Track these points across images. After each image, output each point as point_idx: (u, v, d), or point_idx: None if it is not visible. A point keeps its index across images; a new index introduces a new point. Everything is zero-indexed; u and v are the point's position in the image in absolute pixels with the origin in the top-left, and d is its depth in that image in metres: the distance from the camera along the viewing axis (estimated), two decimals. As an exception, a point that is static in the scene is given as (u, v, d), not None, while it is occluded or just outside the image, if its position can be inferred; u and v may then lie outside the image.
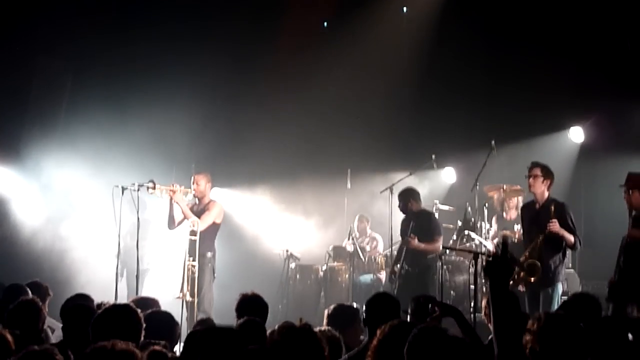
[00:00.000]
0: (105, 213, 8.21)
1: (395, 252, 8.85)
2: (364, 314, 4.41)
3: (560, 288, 6.61)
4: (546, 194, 6.90)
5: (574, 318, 3.47)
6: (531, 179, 6.90)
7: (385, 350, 3.39)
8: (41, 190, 9.95)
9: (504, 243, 3.40)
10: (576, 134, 9.08)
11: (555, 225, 6.72)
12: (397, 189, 8.67)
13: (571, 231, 6.78)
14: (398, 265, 8.18)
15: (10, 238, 9.80)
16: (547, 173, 6.91)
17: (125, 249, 8.54)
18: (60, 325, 4.91)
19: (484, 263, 7.14)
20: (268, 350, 3.34)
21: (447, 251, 8.21)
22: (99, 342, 2.80)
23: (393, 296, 4.74)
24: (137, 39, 9.98)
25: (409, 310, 4.77)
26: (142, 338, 3.90)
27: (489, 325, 3.90)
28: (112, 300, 5.69)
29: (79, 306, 4.64)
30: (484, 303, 5.22)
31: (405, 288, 7.72)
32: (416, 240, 7.82)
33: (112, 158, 9.46)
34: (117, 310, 3.97)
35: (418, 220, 7.97)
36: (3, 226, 9.85)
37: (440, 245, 7.98)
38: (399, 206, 8.23)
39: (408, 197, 8.13)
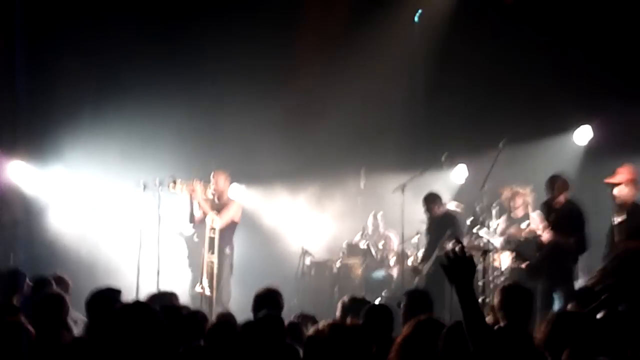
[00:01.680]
0: (133, 209, 8.77)
1: (406, 250, 9.24)
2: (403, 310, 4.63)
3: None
4: (562, 199, 7.23)
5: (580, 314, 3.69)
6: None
7: (411, 345, 3.47)
8: (67, 187, 10.11)
9: (461, 244, 3.36)
10: (582, 135, 9.19)
11: (544, 236, 7.19)
12: (409, 188, 8.92)
13: (570, 234, 7.02)
14: (421, 264, 8.70)
15: (37, 233, 9.95)
16: (550, 185, 7.34)
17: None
18: (83, 317, 5.10)
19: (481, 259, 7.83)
20: (315, 346, 3.30)
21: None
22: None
23: (429, 295, 5.02)
24: (159, 43, 10.25)
25: (402, 305, 4.90)
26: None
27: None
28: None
29: (106, 299, 4.67)
30: (496, 300, 4.84)
31: (433, 284, 8.11)
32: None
33: (136, 156, 9.63)
34: (135, 308, 4.05)
35: (448, 223, 8.52)
36: (30, 222, 9.95)
37: None
38: (425, 209, 8.68)
39: (430, 202, 8.66)
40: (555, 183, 7.39)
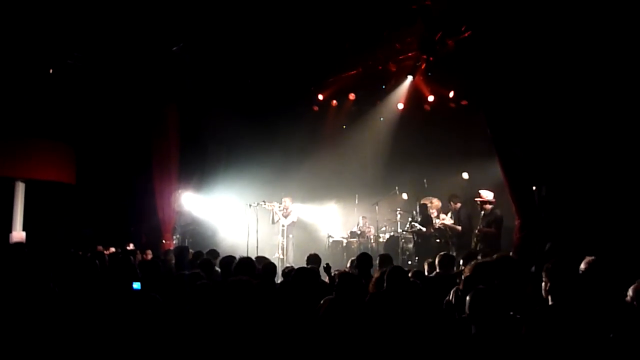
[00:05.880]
0: (243, 219, 12.33)
1: (379, 234, 13.09)
2: (356, 264, 6.46)
3: None
4: (458, 206, 11.16)
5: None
6: (453, 205, 11.23)
7: (379, 283, 4.80)
8: (213, 205, 14.16)
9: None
10: (465, 175, 12.85)
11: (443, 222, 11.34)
12: (380, 204, 13.10)
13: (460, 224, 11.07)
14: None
15: (197, 229, 14.39)
16: (452, 198, 11.39)
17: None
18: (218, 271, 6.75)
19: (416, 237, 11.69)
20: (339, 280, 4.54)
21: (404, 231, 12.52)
22: (238, 276, 3.63)
23: (370, 256, 6.72)
24: (258, 130, 13.88)
25: (355, 263, 6.79)
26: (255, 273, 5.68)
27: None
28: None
29: (230, 260, 6.44)
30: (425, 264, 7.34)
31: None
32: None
33: (244, 189, 13.30)
34: (245, 260, 6.05)
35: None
36: (194, 223, 14.39)
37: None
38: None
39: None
40: (454, 197, 11.33)
